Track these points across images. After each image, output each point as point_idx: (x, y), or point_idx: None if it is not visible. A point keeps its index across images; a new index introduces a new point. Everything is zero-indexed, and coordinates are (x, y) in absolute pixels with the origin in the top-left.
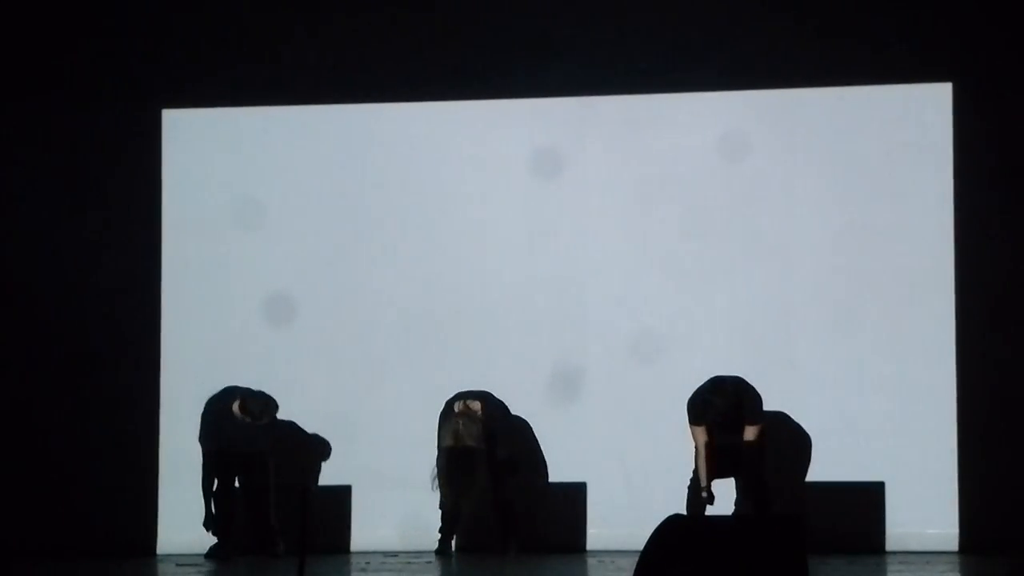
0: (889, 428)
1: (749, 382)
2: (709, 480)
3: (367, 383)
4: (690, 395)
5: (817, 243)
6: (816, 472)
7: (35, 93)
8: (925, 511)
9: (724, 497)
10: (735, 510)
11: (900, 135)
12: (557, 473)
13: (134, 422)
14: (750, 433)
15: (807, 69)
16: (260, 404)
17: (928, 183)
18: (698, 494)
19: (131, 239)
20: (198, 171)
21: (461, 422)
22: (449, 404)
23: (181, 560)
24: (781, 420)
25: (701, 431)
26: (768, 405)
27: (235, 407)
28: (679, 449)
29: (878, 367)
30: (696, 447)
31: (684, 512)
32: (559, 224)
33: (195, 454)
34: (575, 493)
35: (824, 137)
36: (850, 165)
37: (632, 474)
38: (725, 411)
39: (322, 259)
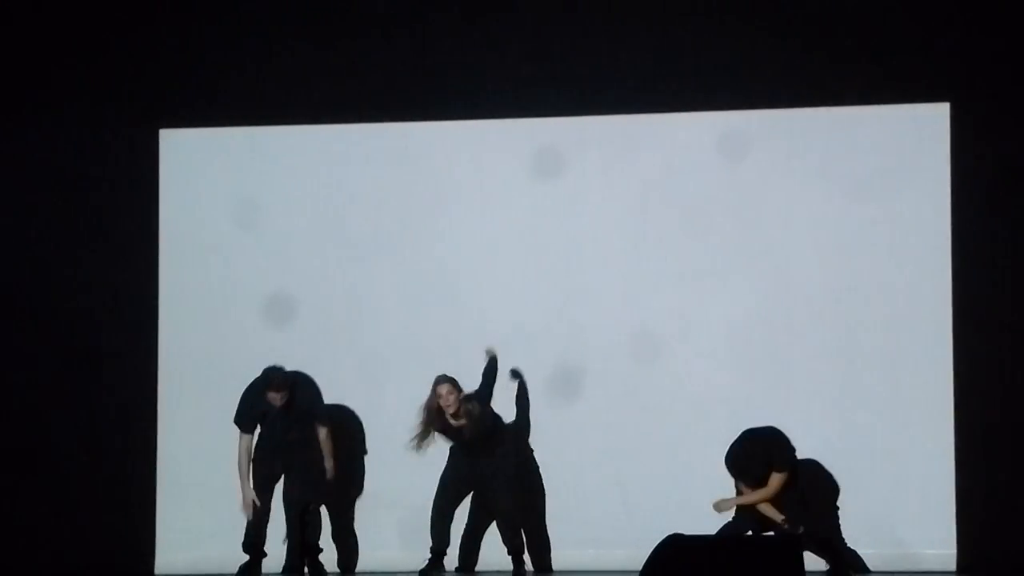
0: (887, 446)
1: (779, 432)
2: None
3: (366, 390)
4: (727, 451)
5: (815, 261)
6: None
7: (35, 113)
8: (923, 531)
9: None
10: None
11: (898, 155)
12: (554, 490)
13: (132, 441)
14: (775, 480)
15: (806, 89)
16: (280, 376)
17: (926, 202)
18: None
19: (129, 257)
20: (195, 190)
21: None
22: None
23: None
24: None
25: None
26: (764, 421)
27: (267, 392)
28: (677, 468)
29: (875, 385)
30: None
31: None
32: (559, 234)
33: (193, 472)
34: (573, 512)
35: (822, 156)
36: (849, 184)
37: (630, 493)
38: (757, 474)
39: (320, 276)
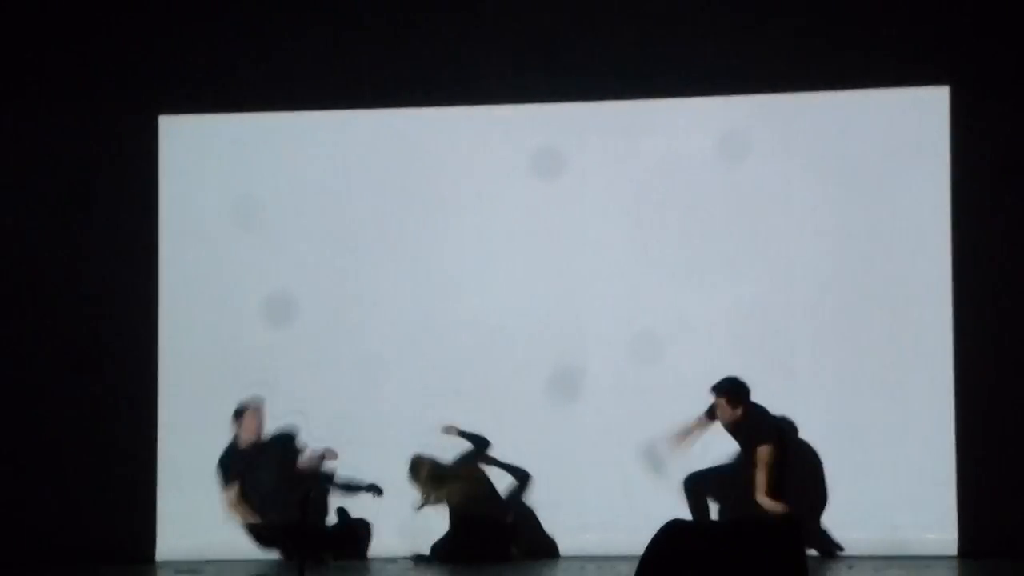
0: (888, 432)
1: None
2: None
3: (365, 388)
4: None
5: (815, 247)
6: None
7: (32, 99)
8: (924, 515)
9: None
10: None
11: (897, 139)
12: (556, 477)
13: (132, 428)
14: (762, 453)
15: (805, 73)
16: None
17: (926, 186)
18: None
19: (128, 245)
20: (195, 177)
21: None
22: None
23: (180, 567)
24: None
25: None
26: (765, 407)
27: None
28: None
29: (876, 371)
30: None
31: (685, 516)
32: (558, 228)
33: (193, 458)
34: (574, 497)
35: (822, 141)
36: (848, 169)
37: (631, 478)
38: (731, 391)
39: (320, 265)
